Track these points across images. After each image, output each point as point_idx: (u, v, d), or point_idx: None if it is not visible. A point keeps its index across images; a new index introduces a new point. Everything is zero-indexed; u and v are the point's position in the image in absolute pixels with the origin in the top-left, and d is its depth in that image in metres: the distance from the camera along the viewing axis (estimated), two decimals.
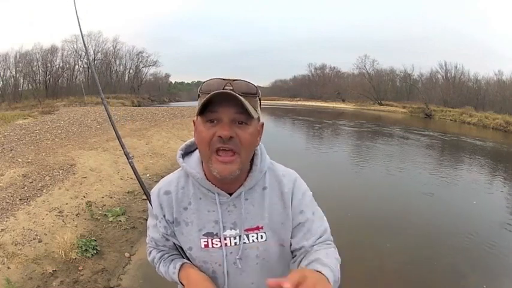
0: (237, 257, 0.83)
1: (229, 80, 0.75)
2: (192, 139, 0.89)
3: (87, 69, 33.49)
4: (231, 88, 0.73)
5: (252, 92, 0.76)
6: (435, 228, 4.28)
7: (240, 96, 0.71)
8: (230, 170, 0.75)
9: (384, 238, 3.92)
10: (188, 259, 0.87)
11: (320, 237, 0.85)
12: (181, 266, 0.86)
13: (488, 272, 3.29)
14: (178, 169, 0.90)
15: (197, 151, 0.87)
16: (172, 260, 0.90)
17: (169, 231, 0.87)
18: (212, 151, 0.75)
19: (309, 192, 0.89)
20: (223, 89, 0.73)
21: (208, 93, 0.72)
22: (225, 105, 0.73)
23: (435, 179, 6.89)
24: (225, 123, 0.73)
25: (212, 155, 0.75)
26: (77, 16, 1.26)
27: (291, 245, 0.86)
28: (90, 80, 33.34)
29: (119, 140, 1.17)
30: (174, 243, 0.89)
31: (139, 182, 1.07)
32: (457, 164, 9.04)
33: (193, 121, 0.83)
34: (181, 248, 0.88)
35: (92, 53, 33.07)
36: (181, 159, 0.88)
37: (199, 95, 0.78)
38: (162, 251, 0.94)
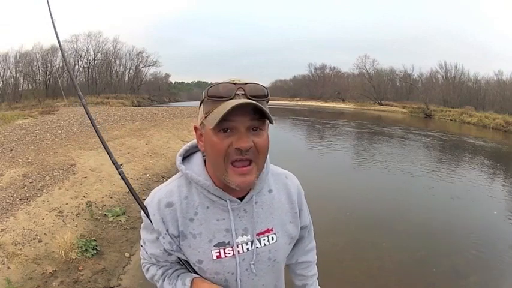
0: (252, 262, 0.81)
1: (240, 83, 0.70)
2: (192, 142, 0.85)
3: (87, 69, 33.52)
4: (243, 92, 0.69)
5: (264, 95, 0.71)
6: (435, 229, 4.27)
7: (261, 106, 0.67)
8: (249, 181, 0.71)
9: (383, 238, 3.92)
10: (195, 272, 0.82)
11: (315, 261, 1.03)
12: (192, 281, 0.80)
13: (488, 272, 3.30)
14: (176, 176, 0.84)
15: (197, 155, 0.83)
16: (178, 275, 0.83)
17: (175, 246, 0.80)
18: (228, 163, 0.70)
19: (303, 191, 0.95)
20: (235, 93, 0.68)
21: (218, 99, 0.68)
22: (240, 112, 0.67)
23: (435, 179, 6.89)
24: (242, 133, 0.68)
25: (228, 166, 0.70)
26: (51, 18, 1.07)
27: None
28: (90, 80, 33.38)
29: (105, 147, 0.99)
30: (178, 257, 0.83)
31: (132, 193, 0.92)
32: (458, 165, 9.04)
33: (195, 127, 0.78)
34: (186, 261, 0.82)
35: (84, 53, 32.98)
36: (183, 166, 0.81)
37: (203, 99, 0.73)
38: (163, 266, 0.87)
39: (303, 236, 0.97)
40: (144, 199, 0.85)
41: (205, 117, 0.71)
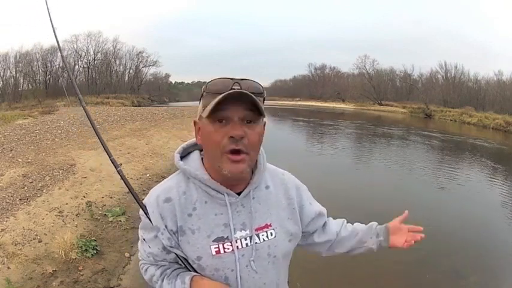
0: (251, 258, 0.80)
1: (237, 79, 0.74)
2: (189, 141, 0.87)
3: (87, 69, 33.53)
4: (239, 87, 0.72)
5: (259, 91, 0.75)
6: (435, 229, 4.26)
7: (253, 97, 0.70)
8: (241, 169, 0.74)
9: None
10: (194, 270, 0.81)
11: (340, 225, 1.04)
12: (191, 279, 0.79)
13: (488, 272, 3.29)
14: (174, 173, 0.86)
15: (195, 153, 0.85)
16: (177, 274, 0.82)
17: (173, 242, 0.80)
18: (223, 152, 0.73)
19: (304, 186, 0.97)
20: (231, 88, 0.72)
21: (216, 93, 0.72)
22: (235, 104, 0.71)
23: (436, 180, 6.89)
24: (236, 123, 0.71)
25: (223, 155, 0.73)
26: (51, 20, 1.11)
27: (307, 233, 0.96)
28: (90, 80, 33.39)
29: (103, 146, 1.02)
30: (176, 255, 0.82)
31: (130, 191, 0.93)
32: (458, 165, 9.04)
33: (195, 121, 0.81)
34: (185, 259, 0.81)
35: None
36: (181, 162, 0.83)
37: (203, 94, 0.77)
38: (162, 266, 0.86)
39: (320, 224, 0.99)
40: (143, 199, 0.86)
41: (203, 109, 0.75)
